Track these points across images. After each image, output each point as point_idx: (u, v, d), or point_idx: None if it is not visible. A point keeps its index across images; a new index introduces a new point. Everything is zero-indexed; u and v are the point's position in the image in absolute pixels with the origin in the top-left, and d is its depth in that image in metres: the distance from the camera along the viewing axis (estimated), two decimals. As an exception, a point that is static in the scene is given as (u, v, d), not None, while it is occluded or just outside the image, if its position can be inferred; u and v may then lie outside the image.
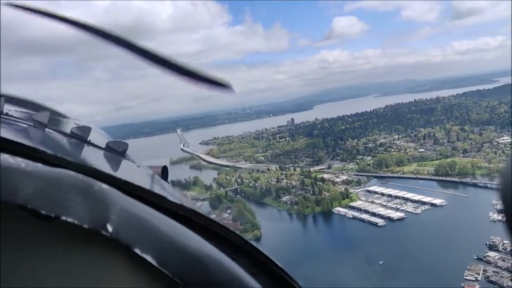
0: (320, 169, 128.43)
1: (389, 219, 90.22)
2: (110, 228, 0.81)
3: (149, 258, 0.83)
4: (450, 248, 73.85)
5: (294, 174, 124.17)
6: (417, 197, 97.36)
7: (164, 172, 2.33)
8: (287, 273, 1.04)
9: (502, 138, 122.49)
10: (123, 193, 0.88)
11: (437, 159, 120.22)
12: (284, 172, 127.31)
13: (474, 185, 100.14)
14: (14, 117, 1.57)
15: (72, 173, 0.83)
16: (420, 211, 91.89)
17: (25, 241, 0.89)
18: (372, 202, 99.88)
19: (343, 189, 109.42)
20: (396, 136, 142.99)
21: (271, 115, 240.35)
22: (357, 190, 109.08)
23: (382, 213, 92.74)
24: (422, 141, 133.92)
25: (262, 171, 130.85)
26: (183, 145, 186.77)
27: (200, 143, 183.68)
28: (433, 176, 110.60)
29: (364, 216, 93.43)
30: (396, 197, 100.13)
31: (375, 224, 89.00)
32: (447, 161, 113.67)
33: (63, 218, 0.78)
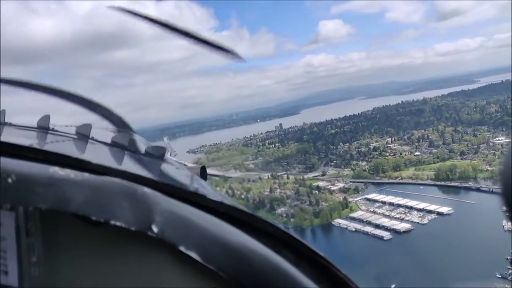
0: (314, 177, 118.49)
1: (394, 231, 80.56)
2: (155, 229, 0.83)
3: (193, 255, 0.84)
4: (469, 264, 64.50)
5: (287, 182, 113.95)
6: (421, 205, 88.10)
7: (203, 172, 2.34)
8: (330, 263, 1.03)
9: (497, 139, 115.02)
10: (164, 195, 0.90)
11: (434, 163, 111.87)
12: (277, 180, 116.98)
13: (478, 190, 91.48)
14: (60, 131, 1.68)
15: (116, 180, 0.87)
16: (427, 221, 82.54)
17: (79, 245, 0.97)
18: (374, 212, 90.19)
19: (341, 198, 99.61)
20: (389, 140, 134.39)
21: (258, 120, 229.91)
22: (356, 199, 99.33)
23: (387, 224, 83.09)
24: (417, 144, 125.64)
25: (254, 180, 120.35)
26: (170, 154, 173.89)
27: (188, 152, 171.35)
28: (434, 180, 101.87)
29: (368, 228, 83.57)
30: (399, 205, 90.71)
31: (381, 238, 79.19)
32: (446, 164, 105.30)
33: (112, 222, 0.81)
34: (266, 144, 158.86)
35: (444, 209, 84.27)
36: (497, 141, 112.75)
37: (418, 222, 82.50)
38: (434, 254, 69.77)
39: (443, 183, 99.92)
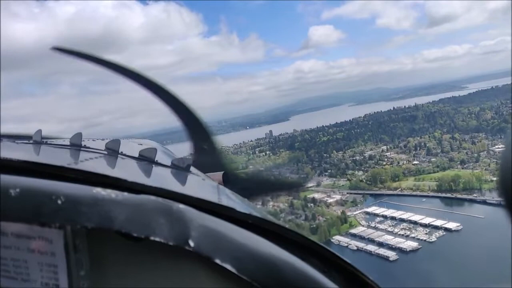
0: (308, 188, 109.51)
1: (400, 250, 71.84)
2: (192, 244, 0.87)
3: (228, 266, 0.87)
4: (488, 290, 55.98)
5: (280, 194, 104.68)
6: (426, 219, 79.80)
7: (224, 178, 2.41)
8: (356, 269, 1.04)
9: (497, 147, 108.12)
10: (197, 210, 0.94)
11: (434, 172, 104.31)
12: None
13: (485, 203, 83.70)
14: (91, 148, 1.75)
15: (153, 197, 0.92)
16: (435, 239, 74.07)
17: (122, 259, 1.04)
18: (376, 228, 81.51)
19: (339, 211, 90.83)
20: (385, 147, 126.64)
21: (247, 127, 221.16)
22: (354, 213, 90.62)
23: (391, 242, 74.39)
24: (414, 152, 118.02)
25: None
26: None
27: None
28: (436, 192, 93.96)
29: (371, 247, 74.67)
30: (402, 220, 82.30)
31: (386, 258, 70.35)
32: (449, 174, 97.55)
33: (152, 238, 0.86)
34: (257, 152, 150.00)
35: (452, 225, 76.03)
36: (497, 149, 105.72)
37: (425, 240, 73.96)
38: (449, 278, 61.36)
39: (446, 194, 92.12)
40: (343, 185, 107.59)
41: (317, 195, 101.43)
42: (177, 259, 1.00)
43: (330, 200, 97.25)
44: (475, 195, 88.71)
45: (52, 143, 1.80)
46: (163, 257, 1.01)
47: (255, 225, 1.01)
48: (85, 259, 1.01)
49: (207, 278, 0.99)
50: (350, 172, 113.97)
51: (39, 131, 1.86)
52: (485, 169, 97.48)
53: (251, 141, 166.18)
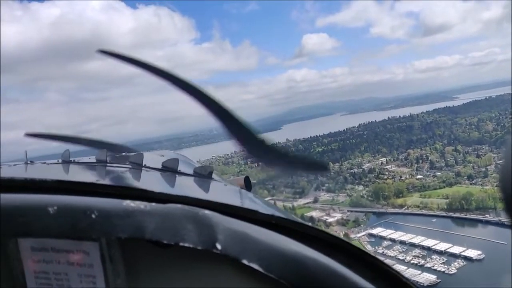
0: (305, 204, 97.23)
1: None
2: (219, 246, 0.89)
3: (255, 266, 0.89)
4: None
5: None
6: (441, 245, 67.81)
7: (247, 182, 2.38)
8: (382, 261, 1.05)
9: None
10: (222, 214, 0.96)
11: (440, 188, 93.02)
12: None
13: (503, 225, 72.07)
14: (117, 163, 1.81)
15: (179, 206, 0.95)
16: (455, 270, 62.01)
17: (154, 265, 1.09)
18: (384, 255, 69.09)
19: (341, 233, 78.30)
20: (384, 160, 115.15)
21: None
22: (358, 235, 78.43)
23: (404, 275, 61.94)
24: (416, 165, 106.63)
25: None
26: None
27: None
28: (446, 211, 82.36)
29: (382, 280, 62.35)
30: (412, 245, 70.24)
31: (402, 297, 58.08)
32: (459, 191, 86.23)
33: (181, 244, 0.89)
34: (249, 163, 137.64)
35: (473, 253, 64.12)
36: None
37: (443, 272, 61.85)
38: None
39: (456, 214, 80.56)
40: (342, 202, 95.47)
41: (315, 214, 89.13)
42: (206, 262, 1.03)
43: (330, 220, 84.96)
44: (488, 215, 77.35)
45: (80, 161, 1.86)
46: (192, 261, 1.05)
47: (278, 225, 1.02)
48: (120, 268, 1.05)
49: (236, 279, 1.02)
50: (349, 186, 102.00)
51: (67, 151, 1.93)
52: (496, 185, 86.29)
53: (243, 150, 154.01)
